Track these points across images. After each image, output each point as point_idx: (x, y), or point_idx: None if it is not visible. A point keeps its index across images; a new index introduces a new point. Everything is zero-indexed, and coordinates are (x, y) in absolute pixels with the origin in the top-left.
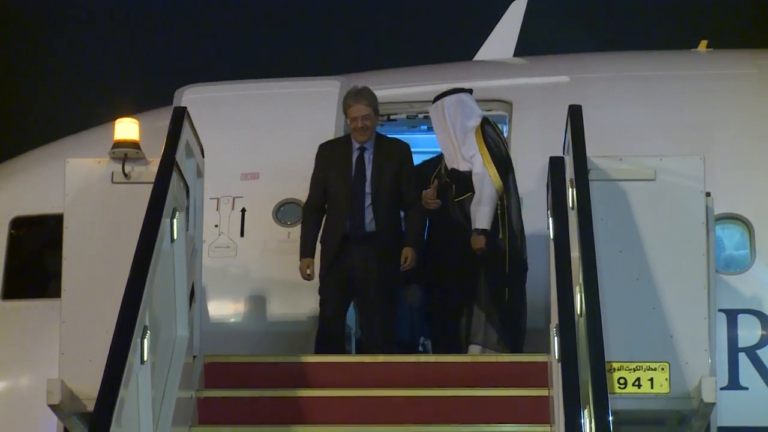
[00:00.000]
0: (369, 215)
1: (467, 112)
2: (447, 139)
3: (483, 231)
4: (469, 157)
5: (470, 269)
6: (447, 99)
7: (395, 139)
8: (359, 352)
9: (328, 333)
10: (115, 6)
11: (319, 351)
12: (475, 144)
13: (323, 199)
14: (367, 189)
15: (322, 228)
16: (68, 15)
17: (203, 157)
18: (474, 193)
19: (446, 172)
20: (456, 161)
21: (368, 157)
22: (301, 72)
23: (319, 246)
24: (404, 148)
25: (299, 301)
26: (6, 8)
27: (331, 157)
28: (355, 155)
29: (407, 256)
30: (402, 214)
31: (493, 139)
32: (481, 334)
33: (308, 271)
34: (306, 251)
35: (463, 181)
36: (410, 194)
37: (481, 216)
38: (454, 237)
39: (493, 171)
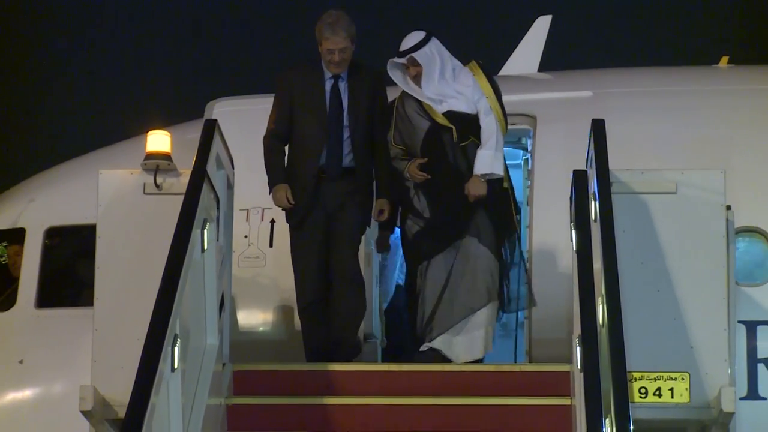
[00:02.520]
0: (347, 149)
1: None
2: (443, 82)
3: (484, 176)
4: (475, 100)
5: (477, 221)
6: (434, 41)
7: (367, 65)
8: (385, 360)
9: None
10: (148, 22)
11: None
12: (476, 84)
13: (288, 129)
14: (345, 122)
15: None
16: (102, 30)
17: (233, 168)
18: (475, 138)
19: (443, 116)
20: (452, 102)
21: (343, 86)
22: None
23: None
24: (377, 76)
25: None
26: (39, 25)
27: (299, 85)
28: (328, 84)
29: (383, 209)
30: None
31: (495, 81)
32: (485, 297)
33: (288, 197)
34: (277, 178)
35: (466, 125)
36: (381, 132)
37: (493, 161)
38: (459, 186)
39: (500, 115)
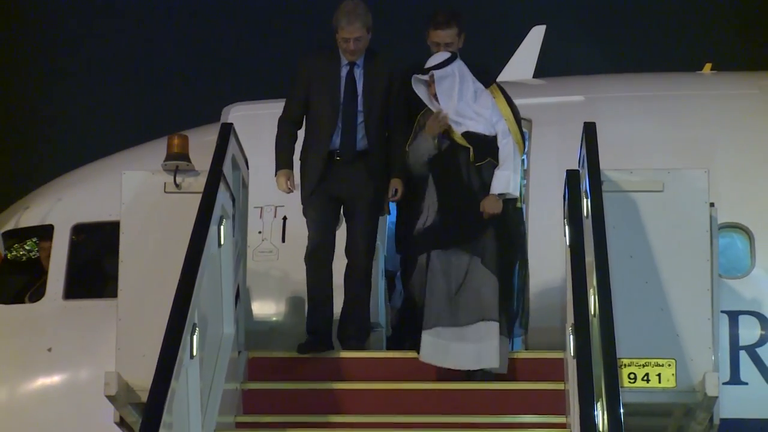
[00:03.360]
0: (361, 133)
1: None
2: (463, 102)
3: (501, 196)
4: (493, 122)
5: (486, 240)
6: (458, 62)
7: (385, 53)
8: (390, 348)
9: (318, 255)
10: (169, 33)
11: (311, 271)
12: (495, 106)
13: (302, 114)
14: (359, 107)
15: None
16: (129, 41)
17: (248, 169)
18: (492, 158)
19: (461, 136)
20: (471, 123)
21: (359, 72)
22: None
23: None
24: (394, 63)
25: (336, 301)
26: (64, 33)
27: (316, 70)
28: (344, 70)
29: (396, 188)
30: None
31: (514, 104)
32: (495, 311)
33: (288, 184)
34: (283, 163)
35: (483, 145)
36: (398, 116)
37: (511, 181)
38: (471, 204)
39: (518, 137)
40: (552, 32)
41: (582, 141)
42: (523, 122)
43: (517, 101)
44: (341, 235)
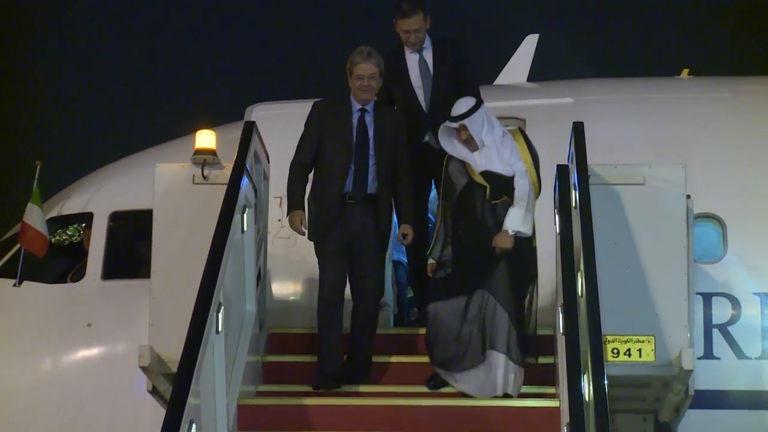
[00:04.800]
0: (372, 175)
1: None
2: (490, 144)
3: (514, 233)
4: (512, 163)
5: (498, 274)
6: (484, 107)
7: (391, 107)
8: (396, 325)
9: (333, 296)
10: (199, 39)
11: (322, 313)
12: (516, 149)
13: (314, 158)
14: (371, 150)
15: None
16: (162, 47)
17: (269, 163)
18: (508, 197)
19: (479, 174)
20: (491, 163)
21: (369, 119)
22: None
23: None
24: (400, 117)
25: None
26: (97, 38)
27: (328, 116)
28: (355, 117)
29: (407, 233)
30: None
31: (534, 148)
32: (504, 343)
33: (301, 225)
34: (295, 204)
35: (500, 184)
36: (403, 164)
37: (523, 219)
38: (484, 240)
39: (535, 180)
40: (544, 40)
41: (571, 139)
42: (517, 121)
43: (512, 103)
44: None
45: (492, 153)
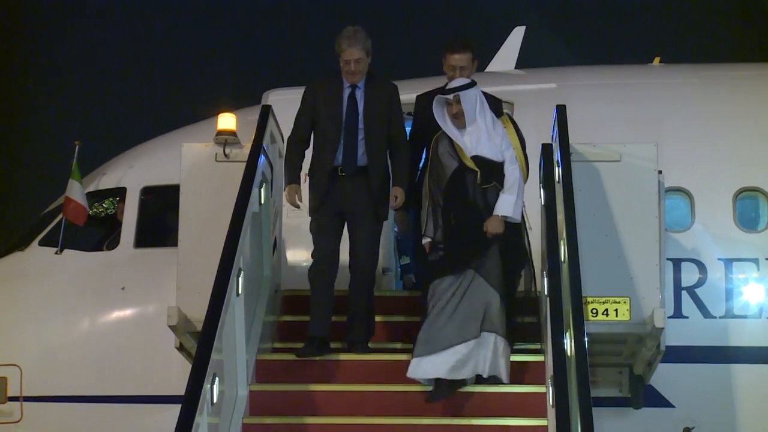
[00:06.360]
0: (361, 149)
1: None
2: (481, 126)
3: (504, 218)
4: (502, 149)
5: (489, 257)
6: (478, 88)
7: (384, 79)
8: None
9: (324, 264)
10: (221, 27)
11: (314, 282)
12: (506, 135)
13: (309, 133)
14: (360, 124)
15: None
16: (187, 38)
17: (283, 143)
18: (497, 183)
19: (471, 159)
20: (482, 148)
21: (359, 94)
22: None
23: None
24: (392, 89)
25: None
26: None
27: (321, 93)
28: (346, 92)
29: (396, 195)
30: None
31: (522, 135)
32: (497, 323)
33: (297, 197)
34: (291, 178)
35: (490, 169)
36: (397, 133)
37: (513, 205)
38: (476, 223)
39: (524, 166)
40: (530, 31)
41: (554, 120)
42: (505, 105)
43: (501, 88)
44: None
45: (482, 136)
